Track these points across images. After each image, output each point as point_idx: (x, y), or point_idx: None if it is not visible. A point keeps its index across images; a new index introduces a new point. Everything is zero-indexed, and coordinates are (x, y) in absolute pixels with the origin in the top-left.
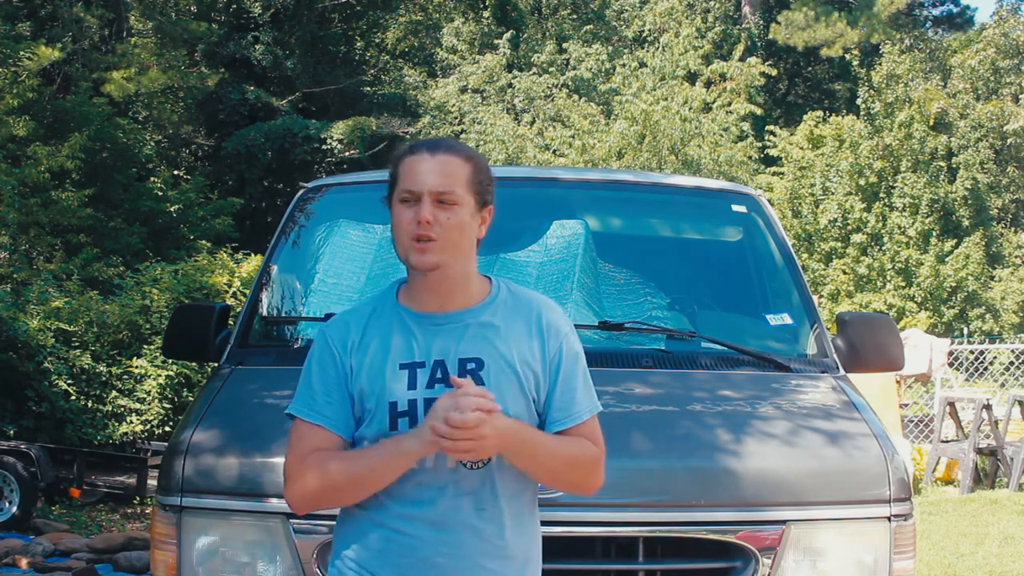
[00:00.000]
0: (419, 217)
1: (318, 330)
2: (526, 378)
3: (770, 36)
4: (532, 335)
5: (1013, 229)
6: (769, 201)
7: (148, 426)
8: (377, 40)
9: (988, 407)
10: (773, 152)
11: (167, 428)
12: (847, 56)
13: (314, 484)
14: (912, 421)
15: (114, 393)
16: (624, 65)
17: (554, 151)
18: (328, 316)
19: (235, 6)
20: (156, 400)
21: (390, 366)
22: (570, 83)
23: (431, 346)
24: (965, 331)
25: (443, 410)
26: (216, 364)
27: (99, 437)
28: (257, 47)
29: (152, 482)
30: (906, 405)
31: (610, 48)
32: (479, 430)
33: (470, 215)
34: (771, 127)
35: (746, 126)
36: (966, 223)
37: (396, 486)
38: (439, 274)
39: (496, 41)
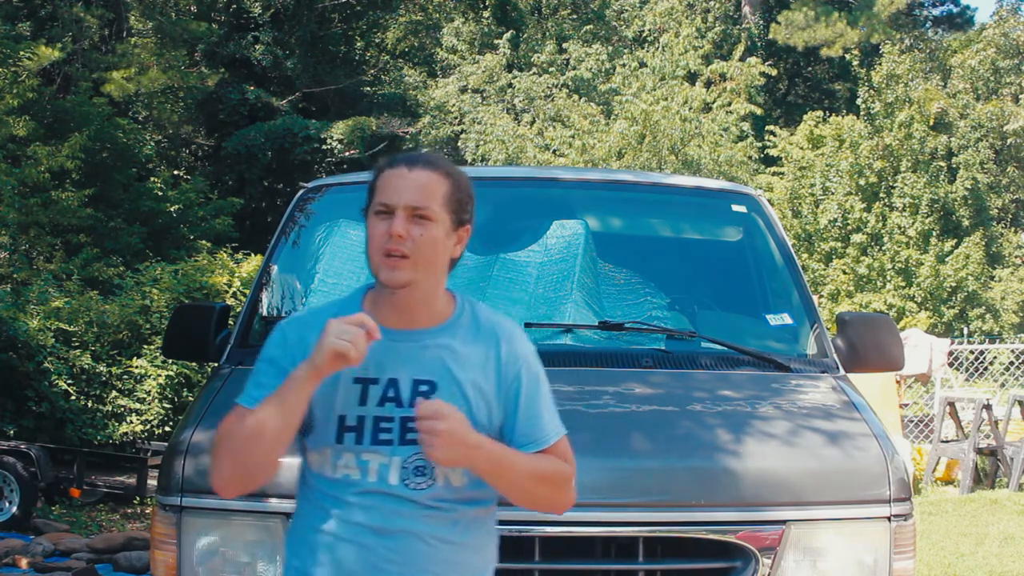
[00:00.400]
0: (392, 231)
1: (277, 326)
2: (477, 406)
3: (770, 36)
4: (489, 362)
5: (1013, 229)
6: (769, 201)
7: (148, 426)
8: (377, 40)
9: (988, 407)
10: (773, 152)
11: (167, 428)
12: (847, 56)
13: (223, 452)
14: (912, 421)
15: (114, 393)
16: (624, 65)
17: (554, 151)
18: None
19: (235, 6)
20: (156, 400)
21: (344, 378)
22: (570, 83)
23: (386, 363)
24: (965, 331)
25: (336, 330)
26: (216, 364)
27: (99, 437)
28: (257, 47)
29: (152, 482)
30: (906, 405)
31: (610, 48)
32: (432, 423)
33: (445, 233)
34: (771, 127)
35: (746, 126)
36: (966, 223)
37: (340, 498)
38: (407, 292)
39: (496, 41)
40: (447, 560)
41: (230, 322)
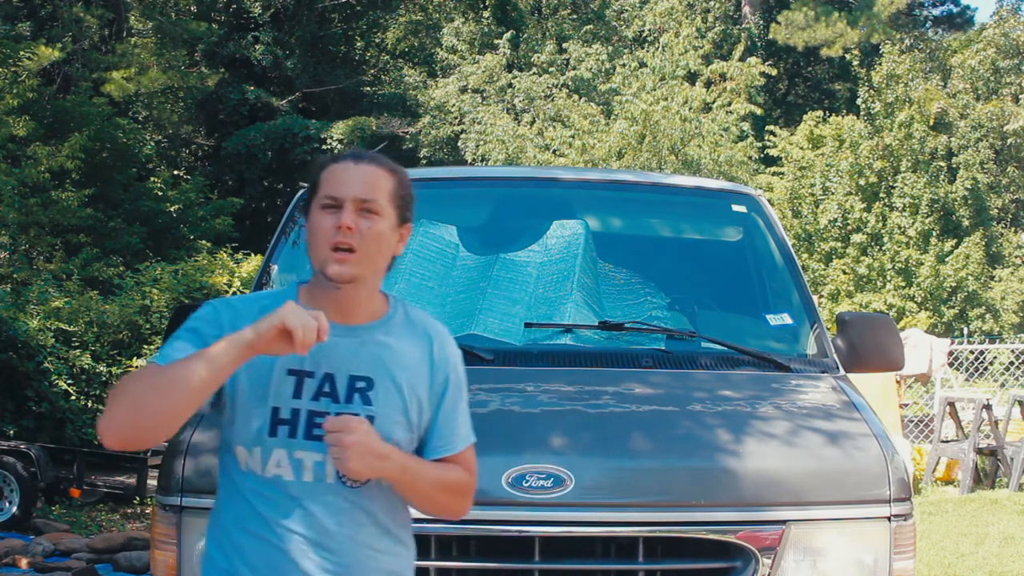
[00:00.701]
0: (341, 223)
1: (207, 303)
2: (411, 402)
3: (770, 36)
4: (423, 362)
5: (1013, 229)
6: (769, 201)
7: None
8: (377, 40)
9: (988, 407)
10: (773, 152)
11: None
12: (847, 56)
13: (124, 395)
14: (912, 421)
15: None
16: (624, 65)
17: (554, 151)
18: None
19: (235, 6)
20: None
21: (277, 369)
22: (570, 83)
23: (322, 358)
24: (965, 331)
25: (292, 308)
26: None
27: (99, 437)
28: (257, 47)
29: (152, 482)
30: (906, 405)
31: (610, 48)
32: (340, 436)
33: (390, 229)
34: (771, 127)
35: (746, 126)
36: (966, 223)
37: (273, 500)
38: (351, 288)
39: (496, 41)
40: (378, 568)
41: None
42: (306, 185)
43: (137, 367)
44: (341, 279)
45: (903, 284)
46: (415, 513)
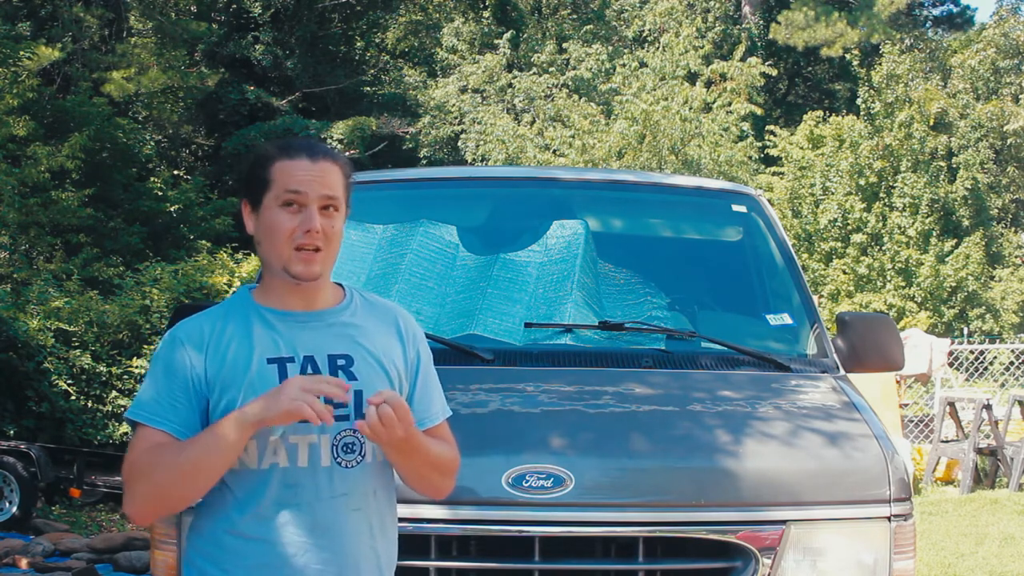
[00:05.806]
0: (309, 226)
1: (168, 333)
2: (392, 374)
3: (770, 36)
4: (393, 337)
5: (1013, 229)
6: (769, 201)
7: None
8: (377, 40)
9: (988, 407)
10: (773, 152)
11: None
12: (847, 56)
13: (146, 483)
14: (912, 421)
15: (114, 393)
16: (624, 65)
17: (554, 151)
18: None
19: (235, 6)
20: None
21: (256, 361)
22: (570, 83)
23: (297, 342)
24: (965, 331)
25: (300, 386)
26: None
27: (99, 437)
28: (257, 47)
29: None
30: (906, 405)
31: (610, 48)
32: (386, 408)
33: (343, 222)
34: (771, 127)
35: (746, 126)
36: (966, 223)
37: (266, 493)
38: (315, 283)
39: (496, 41)
40: (372, 556)
41: None
42: None
43: (137, 367)
44: (309, 277)
45: (903, 284)
46: (416, 513)
